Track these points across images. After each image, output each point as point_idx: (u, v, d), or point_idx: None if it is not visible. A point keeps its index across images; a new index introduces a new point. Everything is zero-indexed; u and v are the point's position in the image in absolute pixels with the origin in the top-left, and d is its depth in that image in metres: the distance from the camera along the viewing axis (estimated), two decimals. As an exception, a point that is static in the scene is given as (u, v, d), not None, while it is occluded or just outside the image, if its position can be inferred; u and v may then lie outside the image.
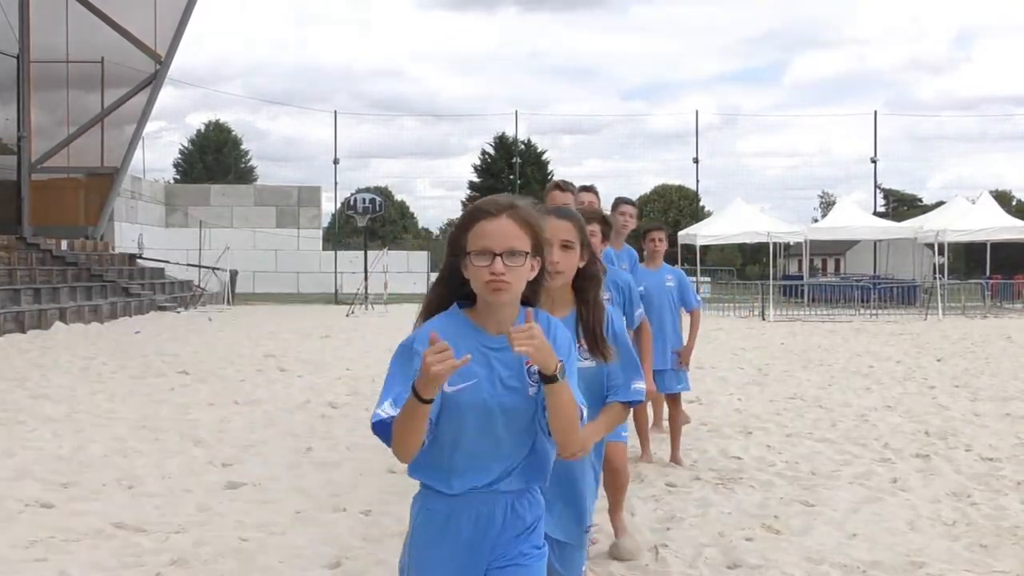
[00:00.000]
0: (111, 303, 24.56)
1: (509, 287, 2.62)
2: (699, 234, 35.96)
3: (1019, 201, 67.70)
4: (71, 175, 31.75)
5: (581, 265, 3.42)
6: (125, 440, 8.53)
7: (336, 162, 41.83)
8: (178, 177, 63.61)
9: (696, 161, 44.04)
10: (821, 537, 5.76)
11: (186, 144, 69.09)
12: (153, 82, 30.88)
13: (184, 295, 30.60)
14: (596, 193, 6.75)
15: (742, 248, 56.40)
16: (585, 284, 3.40)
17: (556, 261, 3.29)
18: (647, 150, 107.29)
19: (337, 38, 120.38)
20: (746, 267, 57.67)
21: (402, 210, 72.32)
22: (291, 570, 5.21)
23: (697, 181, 45.27)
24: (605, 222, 4.92)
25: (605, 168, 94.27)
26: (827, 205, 60.90)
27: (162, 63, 30.70)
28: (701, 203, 51.25)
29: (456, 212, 65.63)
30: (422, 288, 32.92)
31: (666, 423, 8.30)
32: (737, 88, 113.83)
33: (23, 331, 19.28)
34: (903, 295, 31.73)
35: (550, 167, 59.84)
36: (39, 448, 8.16)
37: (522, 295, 2.71)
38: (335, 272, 36.45)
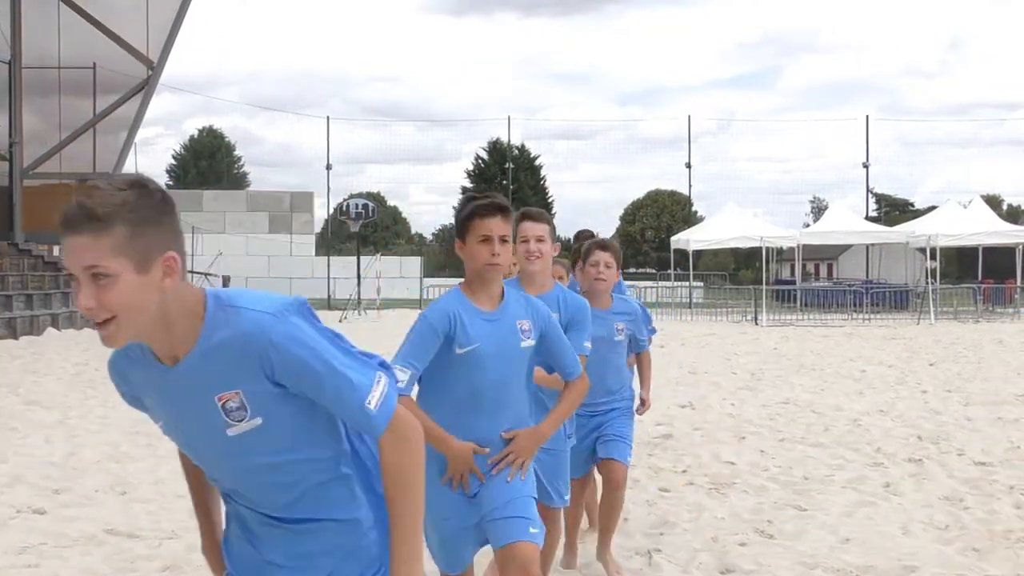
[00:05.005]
0: (103, 309, 24.48)
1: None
2: (692, 239, 36.02)
3: (1010, 205, 67.97)
4: (63, 181, 31.68)
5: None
6: (118, 446, 8.50)
7: (329, 167, 41.70)
8: (171, 183, 63.54)
9: (689, 166, 44.08)
10: (814, 542, 5.76)
11: (179, 150, 69.16)
12: (145, 88, 30.84)
13: (177, 301, 30.52)
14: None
15: (735, 253, 56.52)
16: None
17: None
18: (641, 155, 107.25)
19: (333, 43, 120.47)
20: (739, 272, 57.81)
21: (394, 216, 72.30)
22: None
23: (690, 186, 45.31)
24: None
25: (599, 173, 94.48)
26: (819, 210, 60.98)
27: (154, 69, 30.65)
28: (694, 208, 51.33)
29: (449, 218, 65.72)
30: (415, 293, 32.93)
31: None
32: (731, 93, 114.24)
33: (15, 337, 19.23)
34: (895, 299, 31.79)
35: (543, 172, 59.94)
36: (31, 454, 8.13)
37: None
38: (328, 277, 36.43)
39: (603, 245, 5.31)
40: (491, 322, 3.43)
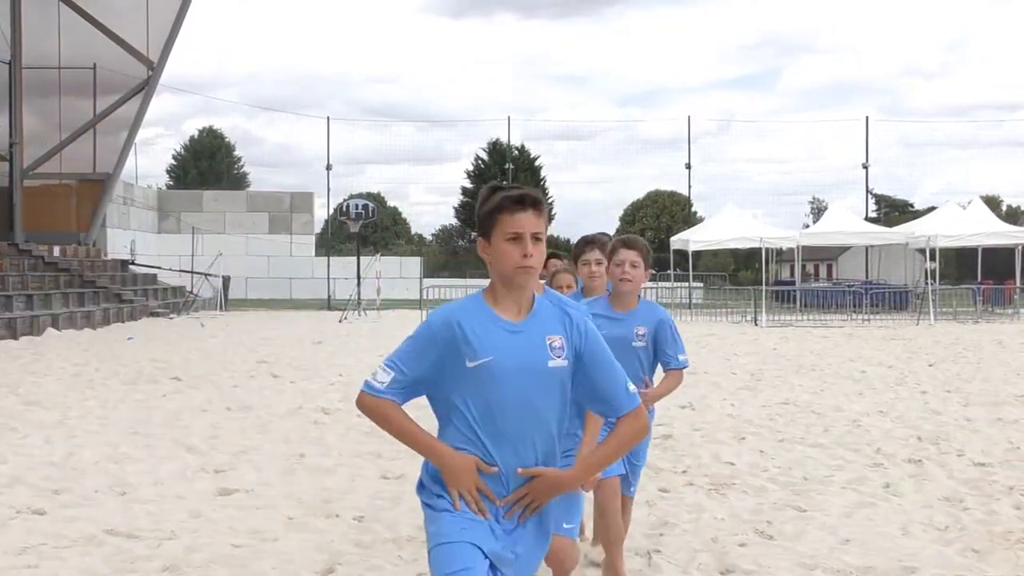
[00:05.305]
0: (103, 309, 24.50)
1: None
2: (691, 239, 36.03)
3: (1009, 206, 67.96)
4: (63, 181, 31.70)
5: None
6: (117, 446, 8.51)
7: (329, 168, 41.69)
8: (171, 183, 63.58)
9: (688, 167, 44.08)
10: (814, 542, 5.77)
11: (179, 150, 69.19)
12: (145, 88, 30.86)
13: (177, 301, 30.55)
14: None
15: (734, 253, 56.51)
16: None
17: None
18: (640, 156, 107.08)
19: (333, 44, 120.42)
20: (738, 272, 57.77)
21: (394, 216, 72.31)
22: (284, 576, 5.20)
23: (689, 187, 45.29)
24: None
25: (599, 173, 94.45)
26: (818, 211, 60.99)
27: (154, 69, 30.67)
28: (694, 208, 51.34)
29: (449, 218, 65.72)
30: (415, 294, 32.90)
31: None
32: (731, 94, 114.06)
33: (15, 337, 19.23)
34: (895, 300, 31.80)
35: (543, 173, 59.96)
36: (31, 454, 8.13)
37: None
38: (328, 278, 36.41)
39: (628, 243, 4.91)
40: (514, 334, 2.97)
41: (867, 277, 39.48)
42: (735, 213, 36.78)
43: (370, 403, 2.99)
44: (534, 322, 3.01)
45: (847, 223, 35.35)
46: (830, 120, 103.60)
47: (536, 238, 2.97)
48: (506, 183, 3.14)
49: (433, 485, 3.02)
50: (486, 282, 3.10)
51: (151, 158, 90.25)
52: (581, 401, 3.13)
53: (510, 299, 3.01)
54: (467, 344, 2.93)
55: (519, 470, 2.97)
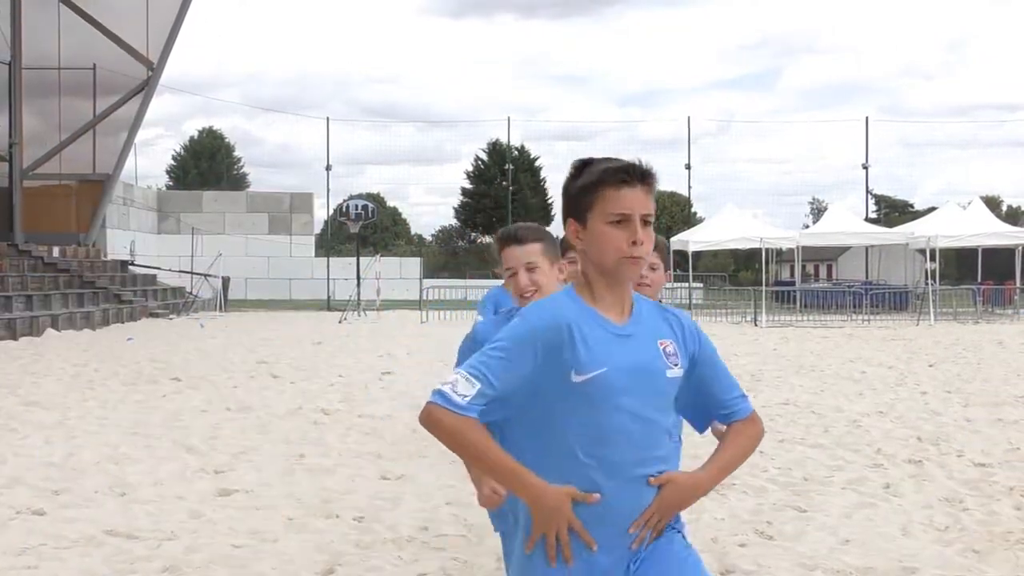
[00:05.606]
0: (103, 310, 24.50)
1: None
2: (691, 240, 35.99)
3: (1009, 207, 67.98)
4: (63, 182, 31.72)
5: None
6: (117, 447, 8.51)
7: (329, 168, 41.67)
8: (171, 184, 63.58)
9: (688, 167, 44.08)
10: (814, 543, 5.76)
11: (179, 151, 69.20)
12: (145, 89, 30.87)
13: (176, 302, 30.55)
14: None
15: (734, 254, 56.50)
16: None
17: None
18: (640, 156, 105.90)
19: (333, 45, 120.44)
20: (738, 273, 57.79)
21: (394, 217, 72.32)
22: (284, 577, 5.20)
23: (689, 187, 45.30)
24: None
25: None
26: (818, 211, 61.00)
27: (154, 70, 30.69)
28: (693, 209, 51.34)
29: (449, 219, 65.71)
30: (415, 295, 32.90)
31: None
32: (731, 94, 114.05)
33: (15, 338, 19.23)
34: (895, 301, 31.80)
35: (543, 173, 59.96)
36: (31, 455, 8.13)
37: None
38: (328, 278, 36.41)
39: None
40: (623, 338, 2.44)
41: (867, 277, 39.46)
42: (735, 213, 36.74)
43: (448, 422, 2.33)
44: (641, 324, 2.49)
45: (847, 223, 35.34)
46: (830, 120, 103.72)
47: (646, 221, 2.43)
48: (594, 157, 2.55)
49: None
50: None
51: (151, 159, 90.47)
52: (685, 410, 2.64)
53: (612, 296, 2.47)
54: (574, 352, 2.38)
55: (650, 479, 2.44)
